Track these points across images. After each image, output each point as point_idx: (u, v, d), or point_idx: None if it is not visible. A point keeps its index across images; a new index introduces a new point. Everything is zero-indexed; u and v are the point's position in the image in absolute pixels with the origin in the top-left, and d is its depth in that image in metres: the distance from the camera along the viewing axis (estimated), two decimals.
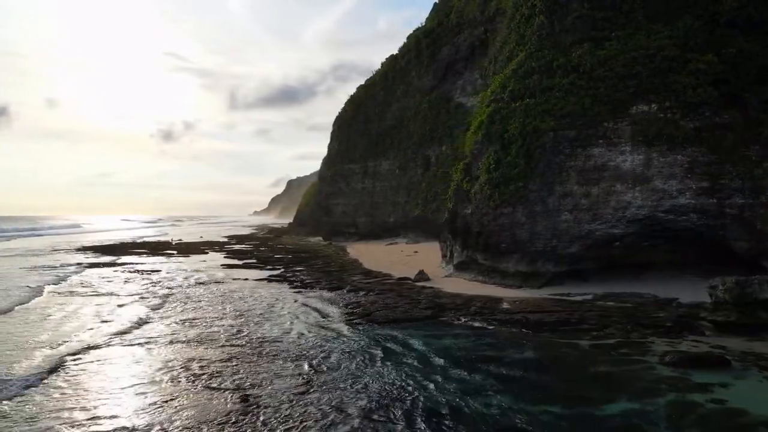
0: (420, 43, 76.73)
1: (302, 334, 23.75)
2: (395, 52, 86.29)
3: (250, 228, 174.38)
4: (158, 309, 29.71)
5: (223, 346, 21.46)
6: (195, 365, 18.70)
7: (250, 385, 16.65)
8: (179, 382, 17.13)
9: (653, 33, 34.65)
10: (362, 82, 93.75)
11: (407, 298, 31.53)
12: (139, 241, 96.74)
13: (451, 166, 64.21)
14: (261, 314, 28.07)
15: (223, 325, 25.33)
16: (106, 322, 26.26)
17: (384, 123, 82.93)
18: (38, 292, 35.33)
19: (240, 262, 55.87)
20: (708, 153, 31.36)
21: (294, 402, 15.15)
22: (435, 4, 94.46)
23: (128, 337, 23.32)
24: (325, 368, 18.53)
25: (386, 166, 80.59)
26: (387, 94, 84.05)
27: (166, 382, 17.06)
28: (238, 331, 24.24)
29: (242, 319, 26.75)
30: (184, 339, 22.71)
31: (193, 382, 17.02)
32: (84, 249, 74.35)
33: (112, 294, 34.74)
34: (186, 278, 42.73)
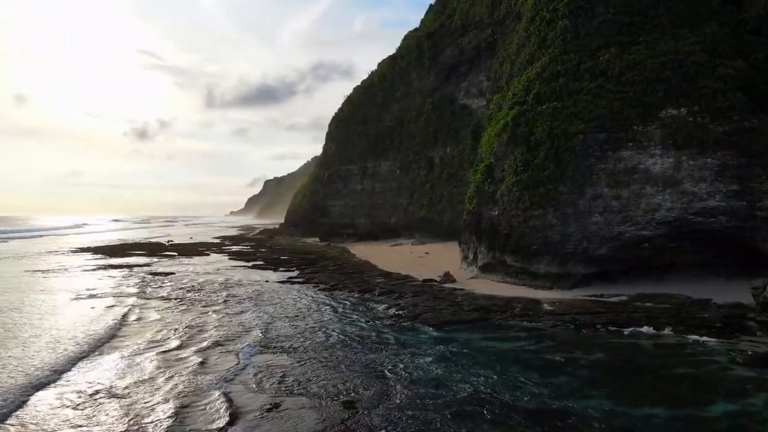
0: (421, 45, 76.85)
1: (363, 337, 23.61)
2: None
3: (235, 229, 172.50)
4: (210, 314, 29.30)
5: (294, 352, 21.22)
6: (288, 371, 18.57)
7: (346, 390, 16.54)
8: (282, 389, 17.00)
9: (680, 38, 35.28)
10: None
11: (446, 301, 31.55)
12: (130, 242, 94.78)
13: (458, 168, 64.70)
14: (311, 318, 27.79)
15: (281, 330, 25.07)
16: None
17: (383, 124, 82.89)
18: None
19: (249, 264, 55.28)
20: (737, 156, 32.06)
21: (404, 407, 15.06)
22: (431, 5, 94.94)
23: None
24: (411, 372, 18.48)
25: (386, 167, 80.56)
26: (386, 95, 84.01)
27: (270, 391, 16.85)
28: (299, 335, 24.04)
29: (293, 323, 26.52)
30: (258, 346, 22.42)
31: (292, 388, 16.92)
32: (90, 251, 72.65)
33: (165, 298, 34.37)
34: (207, 281, 42.16)
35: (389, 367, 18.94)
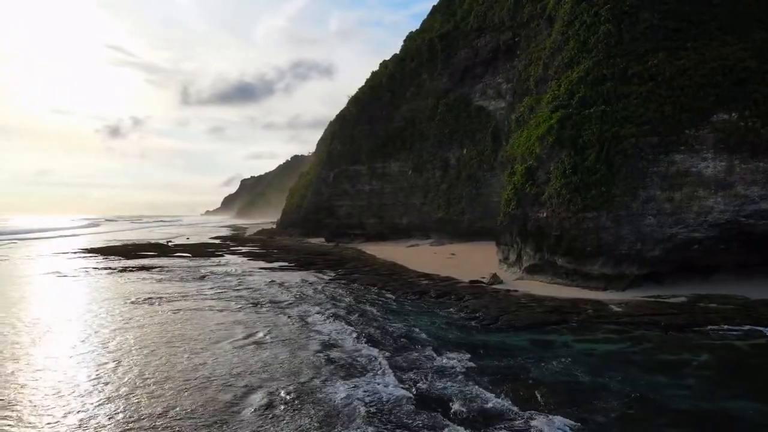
0: (434, 46, 77.05)
1: (472, 342, 23.65)
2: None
3: (226, 229, 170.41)
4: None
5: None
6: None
7: (504, 393, 16.70)
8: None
9: (727, 44, 36.15)
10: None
11: (510, 303, 31.72)
12: (130, 243, 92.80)
13: (477, 169, 65.10)
14: (406, 323, 27.67)
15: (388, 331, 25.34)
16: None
17: (392, 124, 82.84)
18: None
19: (275, 265, 54.69)
20: None
21: (576, 413, 15.21)
22: (434, 7, 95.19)
23: None
24: (551, 375, 18.79)
25: (396, 168, 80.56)
26: (395, 95, 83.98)
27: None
28: (420, 340, 24.17)
29: (394, 328, 26.44)
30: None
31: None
32: (98, 252, 71.01)
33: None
34: (254, 281, 42.50)
35: (529, 368, 19.23)
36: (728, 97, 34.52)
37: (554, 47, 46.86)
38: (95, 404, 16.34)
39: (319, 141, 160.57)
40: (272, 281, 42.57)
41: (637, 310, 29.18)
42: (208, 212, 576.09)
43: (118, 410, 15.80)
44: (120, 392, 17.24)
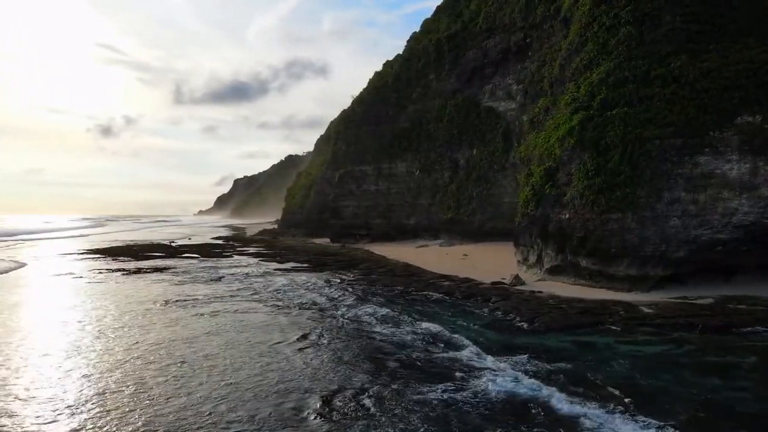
0: (441, 47, 77.09)
1: (526, 344, 23.58)
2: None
3: (225, 229, 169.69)
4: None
5: None
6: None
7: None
8: None
9: (750, 47, 36.38)
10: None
11: (540, 304, 31.74)
12: (133, 244, 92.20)
13: (487, 169, 65.19)
14: (455, 324, 27.69)
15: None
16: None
17: (398, 125, 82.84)
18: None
19: (288, 266, 54.40)
20: None
21: (650, 412, 15.23)
22: (438, 7, 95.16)
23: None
24: (607, 377, 18.75)
25: (403, 168, 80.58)
26: (401, 96, 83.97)
27: None
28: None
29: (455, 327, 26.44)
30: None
31: None
32: (105, 253, 70.45)
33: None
34: (280, 282, 42.60)
35: (586, 371, 19.25)
36: (752, 100, 34.72)
37: (571, 48, 46.96)
38: (167, 404, 16.41)
39: (317, 140, 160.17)
40: (301, 282, 42.26)
41: (668, 311, 29.25)
42: (201, 212, 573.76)
43: (196, 411, 15.88)
44: (198, 395, 17.23)
